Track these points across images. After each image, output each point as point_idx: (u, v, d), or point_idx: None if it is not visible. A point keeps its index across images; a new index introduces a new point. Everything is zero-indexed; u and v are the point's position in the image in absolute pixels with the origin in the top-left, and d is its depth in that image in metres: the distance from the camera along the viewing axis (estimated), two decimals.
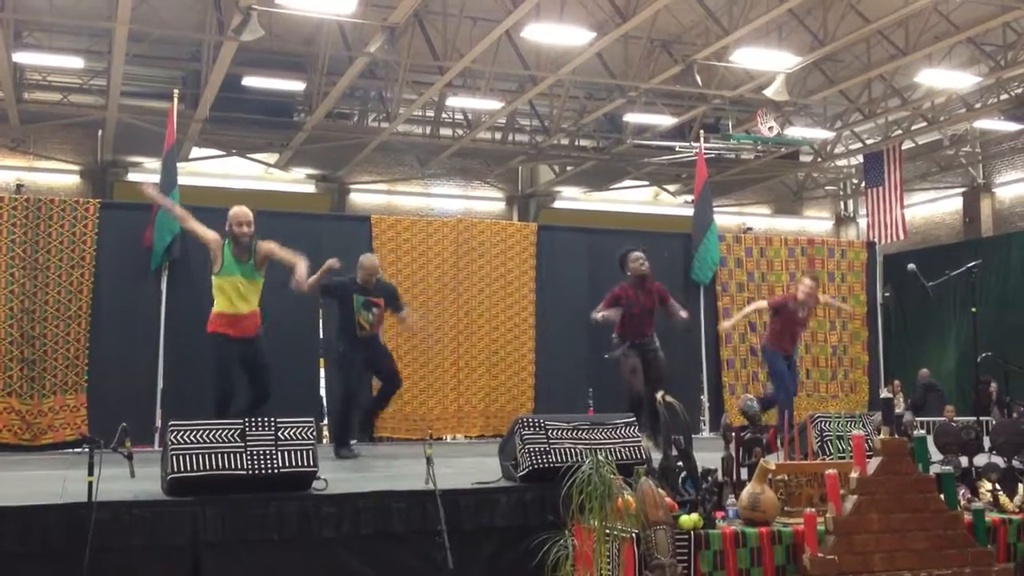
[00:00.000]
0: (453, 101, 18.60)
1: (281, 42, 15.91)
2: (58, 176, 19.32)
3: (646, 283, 8.54)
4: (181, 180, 9.68)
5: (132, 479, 5.02)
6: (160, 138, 10.39)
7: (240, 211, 7.49)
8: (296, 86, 17.67)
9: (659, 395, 5.40)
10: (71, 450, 8.45)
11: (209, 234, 7.53)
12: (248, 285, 7.44)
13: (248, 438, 5.10)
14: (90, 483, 4.48)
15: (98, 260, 9.07)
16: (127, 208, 10.06)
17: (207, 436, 5.06)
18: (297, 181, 20.97)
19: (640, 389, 8.29)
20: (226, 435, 5.09)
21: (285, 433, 5.19)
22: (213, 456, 5.01)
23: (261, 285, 7.57)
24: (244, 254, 7.42)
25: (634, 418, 6.22)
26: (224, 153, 19.63)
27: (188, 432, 5.06)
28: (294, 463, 5.12)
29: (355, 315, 8.05)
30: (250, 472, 5.03)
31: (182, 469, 4.95)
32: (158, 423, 8.75)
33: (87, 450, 4.58)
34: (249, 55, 15.67)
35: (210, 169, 19.50)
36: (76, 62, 16.39)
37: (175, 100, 9.96)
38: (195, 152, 19.01)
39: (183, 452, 4.98)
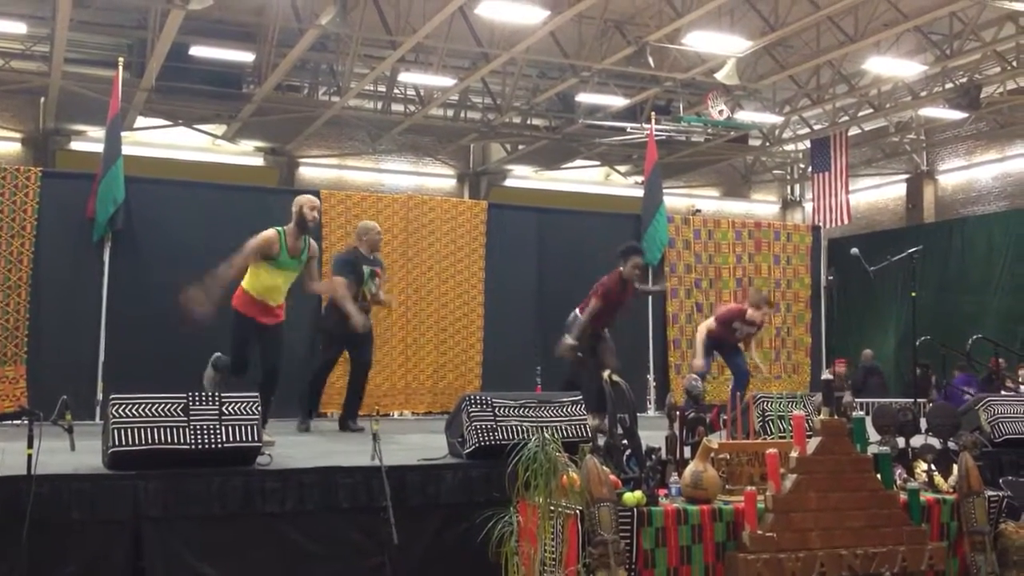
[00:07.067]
0: (405, 77, 18.46)
1: (230, 12, 15.66)
2: None
3: (629, 286, 8.99)
4: (126, 150, 9.50)
5: (72, 452, 4.94)
6: (104, 106, 10.19)
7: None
8: (245, 57, 17.38)
9: (606, 373, 5.44)
10: (10, 422, 8.25)
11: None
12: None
13: (191, 413, 5.04)
14: (29, 456, 4.41)
15: (39, 230, 8.90)
16: (69, 177, 9.87)
17: (149, 410, 4.99)
18: (245, 154, 20.69)
19: (580, 375, 8.65)
20: (169, 409, 5.03)
21: (229, 408, 5.14)
22: (155, 430, 4.94)
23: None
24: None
25: (580, 396, 6.26)
26: (170, 123, 19.30)
27: (130, 406, 4.99)
28: (238, 438, 5.07)
29: (362, 287, 8.02)
30: (193, 447, 4.97)
31: (124, 443, 4.88)
32: (100, 396, 8.63)
33: (26, 422, 4.50)
34: (197, 24, 15.40)
35: (156, 139, 19.15)
36: (18, 27, 15.93)
37: (120, 68, 9.75)
38: (140, 121, 18.66)
39: (125, 426, 4.91)
